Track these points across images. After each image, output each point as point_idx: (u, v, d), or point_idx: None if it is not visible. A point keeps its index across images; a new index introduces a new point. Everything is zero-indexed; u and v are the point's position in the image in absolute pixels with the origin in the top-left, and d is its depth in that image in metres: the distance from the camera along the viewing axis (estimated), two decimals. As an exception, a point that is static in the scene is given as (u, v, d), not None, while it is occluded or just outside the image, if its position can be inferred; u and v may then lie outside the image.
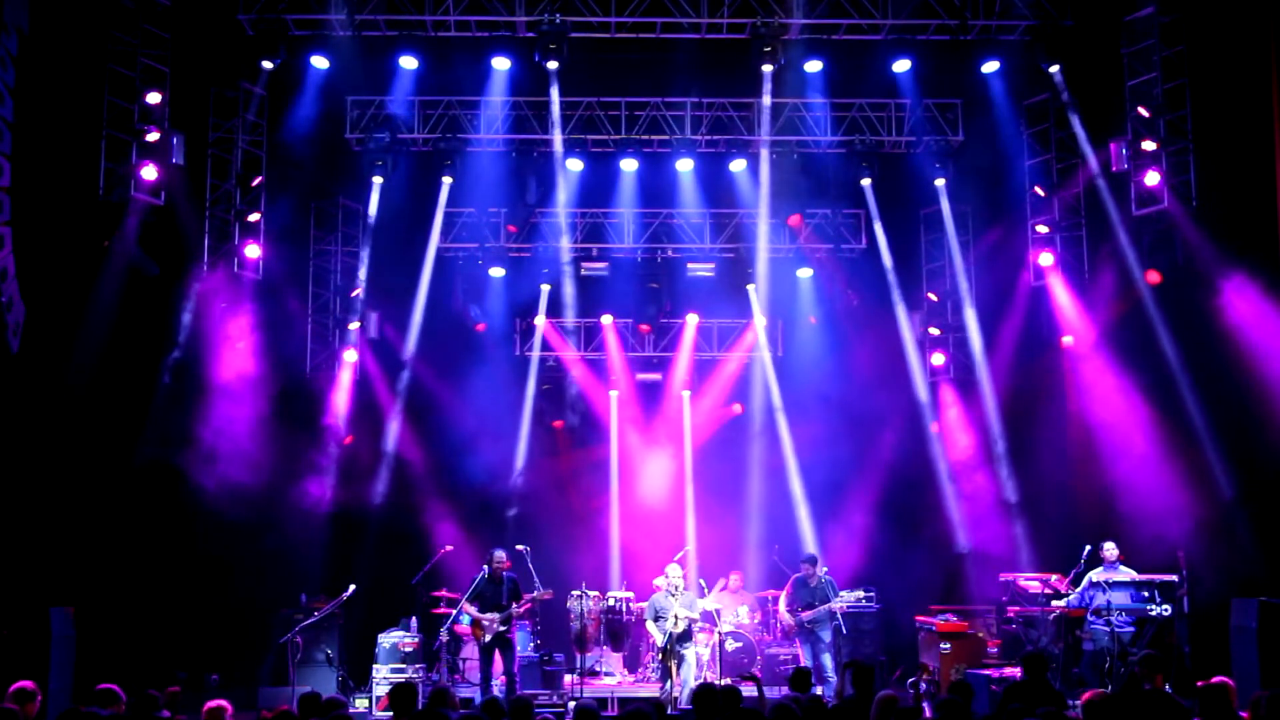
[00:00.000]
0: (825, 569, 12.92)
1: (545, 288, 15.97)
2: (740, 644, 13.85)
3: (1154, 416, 13.31)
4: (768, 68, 13.72)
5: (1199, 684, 7.04)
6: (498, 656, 11.92)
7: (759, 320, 16.18)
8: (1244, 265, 12.27)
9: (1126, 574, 11.74)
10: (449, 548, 13.24)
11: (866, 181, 15.01)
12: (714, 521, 15.75)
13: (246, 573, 14.08)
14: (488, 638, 11.79)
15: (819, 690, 12.06)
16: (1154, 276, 13.28)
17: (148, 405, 13.33)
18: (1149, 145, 13.09)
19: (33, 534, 11.40)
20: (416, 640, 12.88)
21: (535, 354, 16.26)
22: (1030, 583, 12.85)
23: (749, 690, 8.78)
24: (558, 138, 14.55)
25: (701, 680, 12.31)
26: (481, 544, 12.78)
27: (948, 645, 12.45)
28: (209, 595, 13.80)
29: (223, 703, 7.29)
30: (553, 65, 13.59)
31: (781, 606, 13.03)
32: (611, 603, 14.46)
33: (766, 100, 14.35)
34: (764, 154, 14.75)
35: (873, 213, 15.26)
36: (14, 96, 11.19)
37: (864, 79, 14.39)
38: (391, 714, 7.42)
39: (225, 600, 13.91)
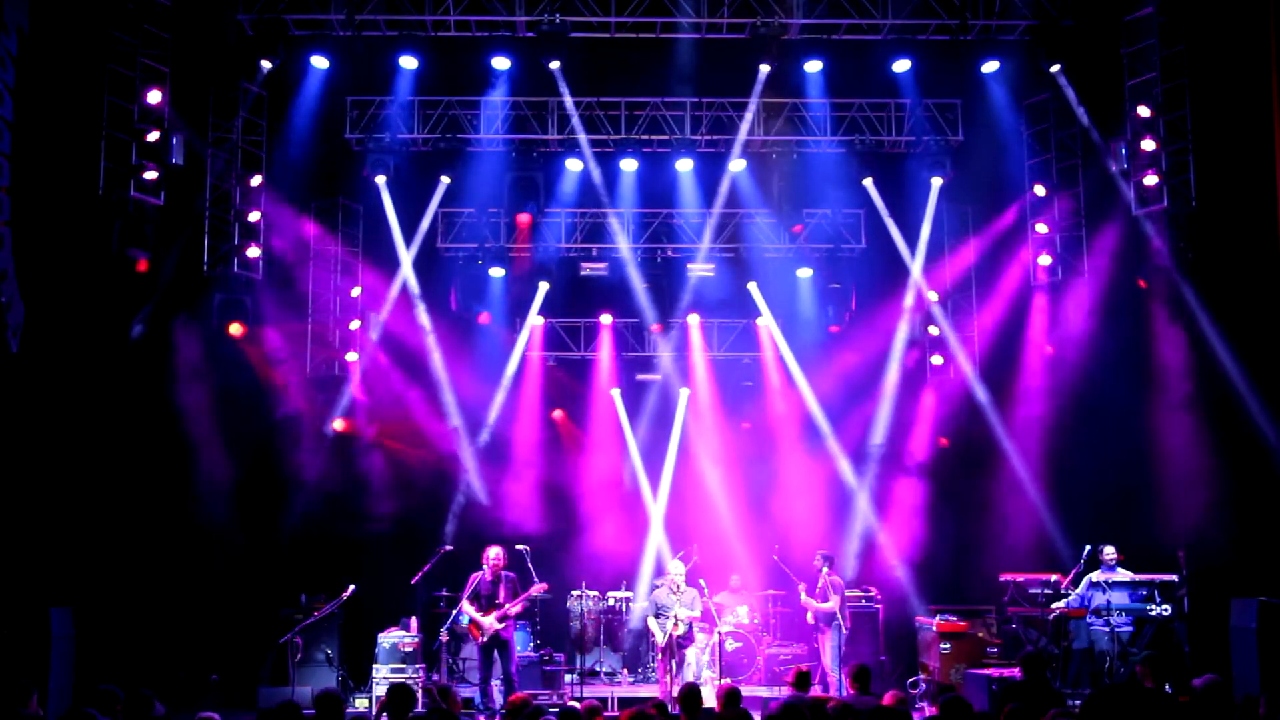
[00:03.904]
0: (827, 569, 12.90)
1: (543, 286, 15.93)
2: (740, 644, 13.87)
3: (1153, 416, 13.31)
4: (767, 68, 13.72)
5: (1194, 682, 7.03)
6: (497, 656, 11.91)
7: (768, 321, 16.16)
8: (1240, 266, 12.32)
9: (1125, 576, 11.75)
10: (448, 547, 13.23)
11: (868, 181, 15.02)
12: (713, 521, 15.74)
13: (247, 573, 14.12)
14: (485, 637, 11.78)
15: (817, 689, 12.10)
16: (1142, 283, 13.32)
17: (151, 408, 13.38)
18: (1149, 145, 13.10)
19: (33, 534, 11.41)
20: (416, 640, 12.88)
21: (519, 351, 16.17)
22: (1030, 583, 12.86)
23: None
24: (582, 137, 14.57)
25: (700, 680, 12.32)
26: (481, 543, 12.74)
27: (948, 645, 12.47)
28: (209, 595, 13.82)
29: (214, 715, 7.30)
30: (554, 65, 13.59)
31: (803, 595, 13.06)
32: (611, 603, 14.49)
33: (755, 101, 14.35)
34: (736, 150, 14.70)
35: (881, 211, 15.24)
36: (14, 96, 11.20)
37: (864, 79, 14.39)
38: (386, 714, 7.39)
39: (225, 600, 13.92)
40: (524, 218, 15.19)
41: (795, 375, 16.13)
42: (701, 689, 8.19)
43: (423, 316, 15.54)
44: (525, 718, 7.04)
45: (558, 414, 16.82)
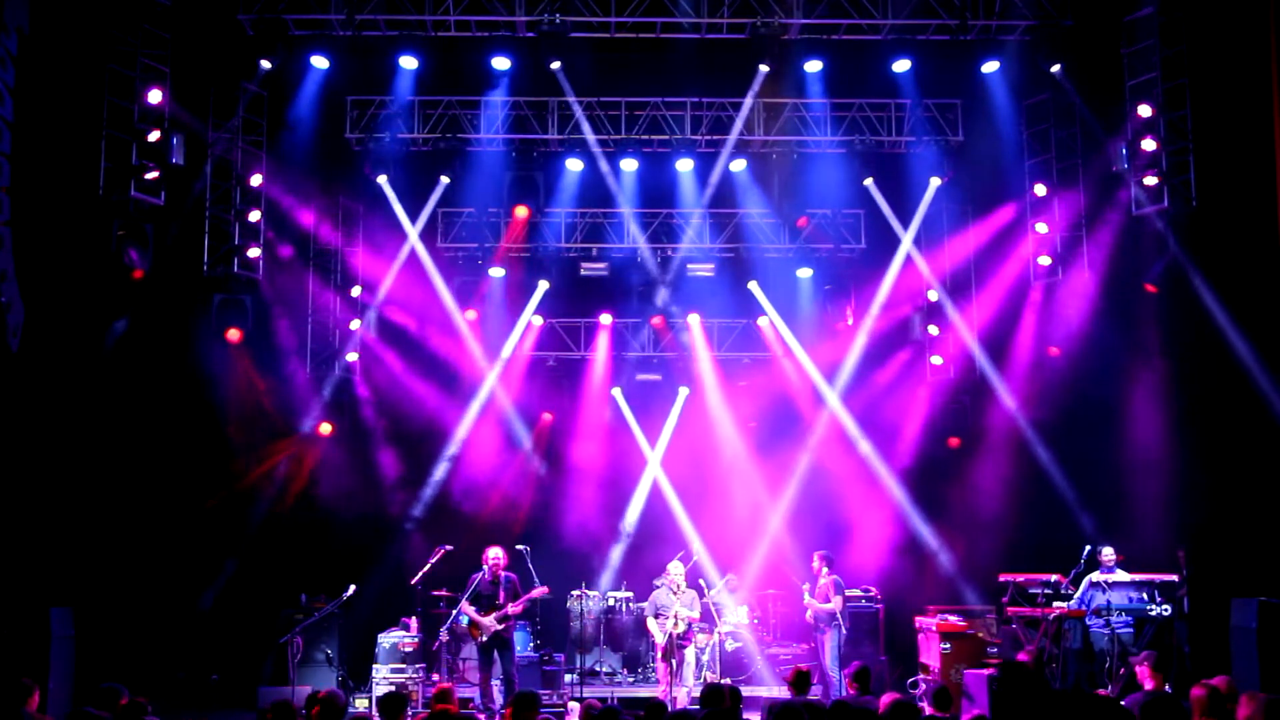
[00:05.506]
0: (827, 569, 12.89)
1: (543, 284, 15.94)
2: (740, 644, 13.88)
3: (1153, 417, 13.32)
4: (765, 68, 13.73)
5: (1194, 689, 7.03)
6: (497, 656, 11.91)
7: (773, 317, 16.18)
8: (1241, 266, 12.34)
9: (1124, 578, 11.74)
10: (448, 547, 13.24)
11: (869, 181, 15.03)
12: (714, 520, 15.74)
13: (248, 573, 14.14)
14: (485, 638, 11.78)
15: (817, 690, 12.11)
16: (1150, 288, 13.33)
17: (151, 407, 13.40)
18: (1149, 145, 13.10)
19: (33, 534, 11.41)
20: (416, 640, 12.88)
21: (510, 348, 16.15)
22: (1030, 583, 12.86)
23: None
24: (590, 136, 14.57)
25: (702, 680, 12.32)
26: (482, 544, 12.75)
27: (948, 645, 12.47)
28: (209, 595, 13.85)
29: None
30: (555, 65, 13.60)
31: (806, 596, 13.05)
32: (611, 603, 14.49)
33: (749, 100, 14.37)
34: (728, 148, 14.70)
35: (885, 211, 15.26)
36: (14, 96, 11.20)
37: (864, 79, 14.39)
38: None
39: (225, 600, 13.94)
40: (522, 210, 15.16)
41: (797, 373, 16.17)
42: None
43: (458, 317, 15.62)
44: (523, 704, 7.11)
45: (547, 416, 16.82)
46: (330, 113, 14.37)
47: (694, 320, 16.37)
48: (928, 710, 8.82)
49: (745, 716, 8.58)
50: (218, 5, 13.23)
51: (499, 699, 11.83)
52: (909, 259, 15.56)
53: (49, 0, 11.71)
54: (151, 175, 12.67)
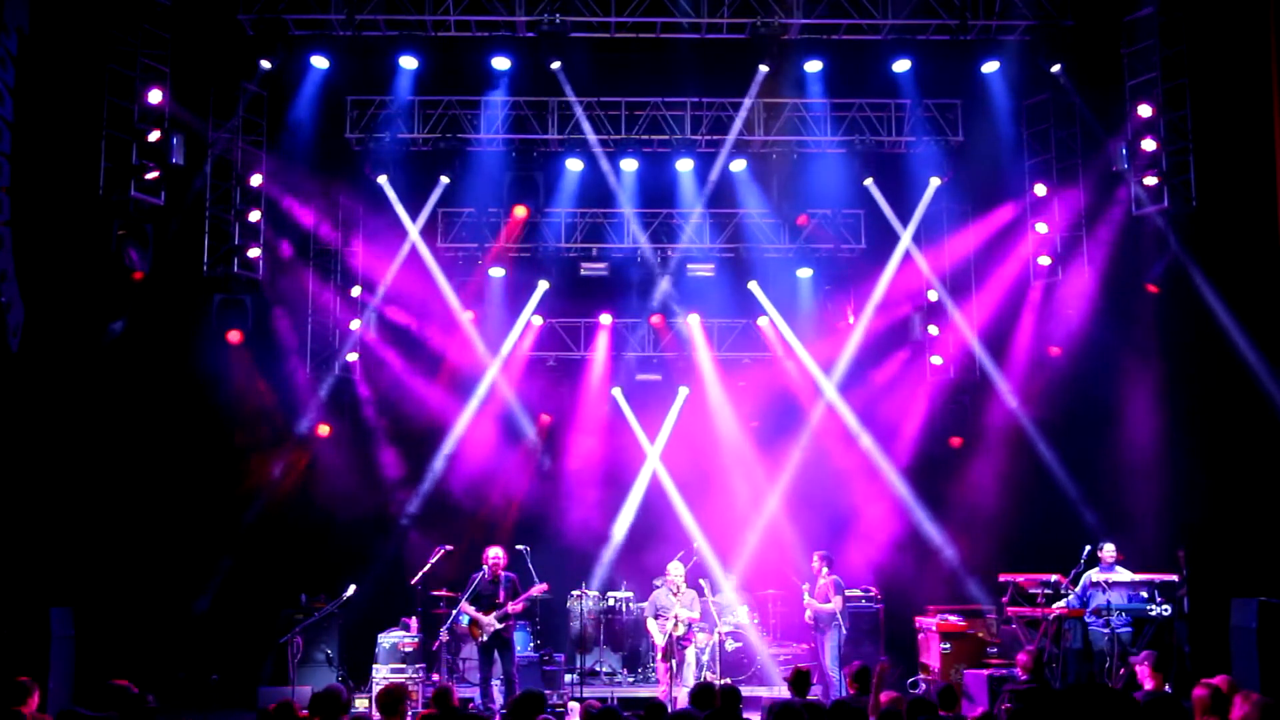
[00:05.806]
0: (827, 569, 12.89)
1: (543, 284, 15.94)
2: (740, 644, 13.87)
3: (1153, 417, 13.32)
4: (765, 68, 13.73)
5: (1196, 689, 7.03)
6: (497, 656, 11.91)
7: (774, 317, 16.18)
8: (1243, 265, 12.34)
9: (1124, 575, 11.74)
10: (448, 548, 13.24)
11: (869, 181, 15.04)
12: (714, 520, 15.74)
13: (248, 573, 14.14)
14: (485, 637, 11.77)
15: (817, 690, 12.10)
16: (1152, 288, 13.34)
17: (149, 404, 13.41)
18: (1149, 145, 13.11)
19: (33, 534, 11.41)
20: (416, 640, 12.87)
21: (507, 347, 16.15)
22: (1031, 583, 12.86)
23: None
24: (591, 136, 14.57)
25: (701, 680, 12.31)
26: (481, 543, 12.76)
27: (948, 645, 12.48)
28: (209, 595, 13.85)
29: None
30: (555, 65, 13.60)
31: (806, 596, 13.04)
32: (611, 603, 14.49)
33: (748, 100, 14.37)
34: (726, 149, 14.69)
35: (885, 211, 15.26)
36: (14, 96, 11.20)
37: (864, 79, 14.40)
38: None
39: (225, 600, 13.94)
40: (521, 210, 15.15)
41: (798, 373, 16.16)
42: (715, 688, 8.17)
43: (459, 316, 15.59)
44: (527, 704, 7.09)
45: (546, 417, 16.82)
46: (330, 113, 14.37)
47: (694, 320, 16.37)
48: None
49: (746, 716, 8.58)
50: (218, 5, 13.23)
51: (499, 699, 11.84)
52: (909, 258, 15.57)
53: (49, 0, 11.71)
54: (151, 175, 12.66)
